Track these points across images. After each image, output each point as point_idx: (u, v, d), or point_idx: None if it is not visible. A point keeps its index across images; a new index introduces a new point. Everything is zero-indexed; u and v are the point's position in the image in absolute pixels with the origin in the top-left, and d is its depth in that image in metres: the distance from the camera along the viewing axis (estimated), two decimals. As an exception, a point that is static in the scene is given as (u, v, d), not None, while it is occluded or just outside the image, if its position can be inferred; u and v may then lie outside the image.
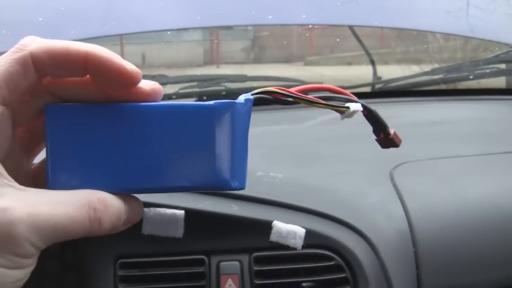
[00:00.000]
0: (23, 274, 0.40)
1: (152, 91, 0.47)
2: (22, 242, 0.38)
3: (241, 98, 0.51)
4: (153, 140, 0.46)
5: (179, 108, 0.47)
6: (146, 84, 0.47)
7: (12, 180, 0.41)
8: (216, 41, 1.91)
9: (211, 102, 0.48)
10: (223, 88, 1.37)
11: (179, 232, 0.83)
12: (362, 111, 0.55)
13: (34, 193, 0.41)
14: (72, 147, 0.45)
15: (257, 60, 2.28)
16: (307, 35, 1.98)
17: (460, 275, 0.89)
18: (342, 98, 0.54)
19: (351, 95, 0.54)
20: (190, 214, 0.83)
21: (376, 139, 0.60)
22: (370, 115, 0.56)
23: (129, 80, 0.45)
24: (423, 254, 0.88)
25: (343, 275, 0.85)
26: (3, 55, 0.43)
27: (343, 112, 0.54)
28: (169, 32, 1.59)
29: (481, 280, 0.90)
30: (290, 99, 0.53)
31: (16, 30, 1.28)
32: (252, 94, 0.51)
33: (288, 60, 2.05)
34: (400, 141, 0.58)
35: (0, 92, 0.42)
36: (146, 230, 0.83)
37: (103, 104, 0.46)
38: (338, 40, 2.02)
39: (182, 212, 0.83)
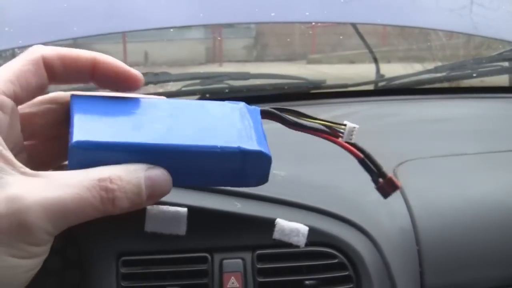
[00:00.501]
0: (36, 263, 0.40)
1: None
2: (34, 230, 0.38)
3: (256, 134, 0.52)
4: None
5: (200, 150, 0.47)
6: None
7: (21, 166, 0.40)
8: (219, 38, 1.91)
9: (235, 144, 0.48)
10: (226, 86, 1.36)
11: (182, 230, 0.83)
12: (355, 155, 0.55)
13: (43, 177, 0.40)
14: (95, 120, 0.45)
15: (259, 58, 2.28)
16: (310, 32, 1.97)
17: (463, 273, 0.89)
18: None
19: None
20: (193, 211, 0.82)
21: (376, 188, 0.58)
22: (365, 157, 0.55)
23: (134, 84, 0.48)
24: (426, 252, 0.88)
25: (346, 273, 0.85)
26: (17, 57, 0.44)
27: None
28: (171, 30, 1.59)
29: (484, 277, 0.90)
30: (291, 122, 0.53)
31: (19, 27, 1.28)
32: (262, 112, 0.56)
33: (290, 58, 2.05)
34: (399, 183, 0.57)
35: (12, 86, 0.42)
36: (149, 227, 0.82)
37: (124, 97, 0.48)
38: (341, 37, 2.02)
39: (185, 209, 0.82)
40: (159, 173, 0.45)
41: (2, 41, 1.26)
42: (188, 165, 0.46)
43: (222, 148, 0.47)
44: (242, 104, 0.52)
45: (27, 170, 0.40)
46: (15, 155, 0.41)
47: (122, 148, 0.43)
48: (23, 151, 0.47)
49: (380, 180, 0.56)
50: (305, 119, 0.53)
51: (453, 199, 0.95)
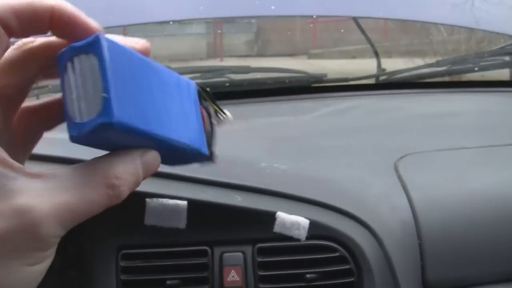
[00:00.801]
0: (47, 264, 0.40)
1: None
2: (46, 238, 0.38)
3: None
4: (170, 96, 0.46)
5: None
6: (137, 42, 0.46)
7: (21, 166, 0.39)
8: (219, 31, 1.90)
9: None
10: (227, 79, 1.36)
11: (182, 223, 0.83)
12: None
13: (47, 178, 0.39)
14: (130, 92, 0.42)
15: (261, 53, 2.28)
16: (311, 25, 1.97)
17: (465, 267, 0.89)
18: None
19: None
20: (193, 204, 0.82)
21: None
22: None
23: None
24: (427, 246, 0.88)
25: (347, 266, 0.85)
26: None
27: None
28: (173, 24, 1.59)
29: (485, 271, 0.90)
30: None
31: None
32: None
33: (291, 53, 2.05)
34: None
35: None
36: (149, 221, 0.83)
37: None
38: (342, 32, 2.01)
39: (185, 202, 0.83)
40: (153, 157, 0.45)
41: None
42: (163, 150, 0.46)
43: (191, 146, 0.48)
44: (191, 83, 0.51)
45: (29, 170, 0.39)
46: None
47: (144, 136, 0.42)
48: (8, 137, 0.45)
49: None
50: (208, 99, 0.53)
51: (454, 192, 0.94)
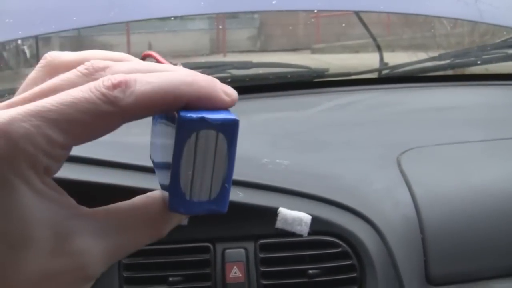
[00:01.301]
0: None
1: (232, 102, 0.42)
2: (92, 277, 0.38)
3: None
4: None
5: None
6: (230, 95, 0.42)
7: (76, 205, 0.39)
8: (221, 26, 1.90)
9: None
10: (229, 75, 1.36)
11: (184, 220, 0.82)
12: None
13: (101, 219, 0.39)
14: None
15: (263, 49, 2.28)
16: (313, 20, 1.97)
17: (468, 261, 0.89)
18: None
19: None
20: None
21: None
22: None
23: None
24: (430, 241, 0.88)
25: (350, 262, 0.85)
26: (87, 100, 0.37)
27: None
28: (175, 21, 1.59)
29: (488, 266, 0.89)
30: None
31: (20, 18, 1.28)
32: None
33: (294, 48, 2.05)
34: None
35: (70, 140, 0.38)
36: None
37: None
38: (344, 27, 2.01)
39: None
40: None
41: (3, 32, 1.26)
42: None
43: None
44: None
45: (83, 209, 0.39)
46: None
47: None
48: None
49: None
50: None
51: (457, 187, 0.94)
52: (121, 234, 0.39)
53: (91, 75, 0.39)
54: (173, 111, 0.39)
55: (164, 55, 0.47)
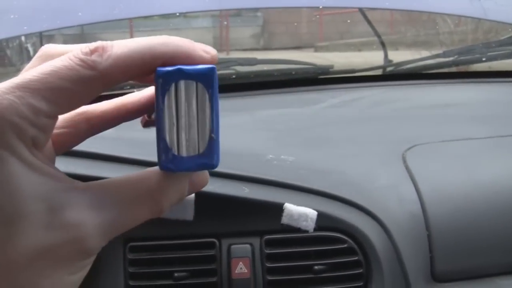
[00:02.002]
0: (85, 273, 0.40)
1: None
2: (90, 251, 0.38)
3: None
4: None
5: None
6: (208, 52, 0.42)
7: (69, 179, 0.39)
8: (225, 22, 1.90)
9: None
10: (233, 71, 1.36)
11: (189, 215, 0.82)
12: None
13: (94, 192, 0.39)
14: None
15: (267, 47, 2.28)
16: (317, 16, 1.96)
17: (474, 258, 0.89)
18: None
19: None
20: (201, 196, 0.82)
21: (146, 118, 0.54)
22: None
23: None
24: (436, 237, 0.88)
25: (356, 258, 0.84)
26: (67, 67, 0.38)
27: None
28: (177, 13, 1.58)
29: (494, 263, 0.89)
30: None
31: (24, 14, 1.28)
32: None
33: (298, 46, 2.04)
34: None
35: (54, 108, 0.38)
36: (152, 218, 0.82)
37: None
38: (348, 24, 2.01)
39: (193, 195, 0.82)
40: (202, 177, 0.45)
41: (8, 28, 1.26)
42: None
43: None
44: None
45: (77, 183, 0.39)
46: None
47: None
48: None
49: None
50: None
51: (463, 183, 0.94)
52: (116, 206, 0.39)
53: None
54: (152, 72, 0.39)
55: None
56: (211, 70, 0.39)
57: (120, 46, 0.38)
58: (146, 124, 0.50)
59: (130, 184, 0.41)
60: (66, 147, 0.47)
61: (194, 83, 0.39)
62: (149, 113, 0.49)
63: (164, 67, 0.39)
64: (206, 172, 0.45)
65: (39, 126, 0.37)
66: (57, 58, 0.38)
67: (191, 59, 0.40)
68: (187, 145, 0.39)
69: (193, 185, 0.44)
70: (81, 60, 0.37)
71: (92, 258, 0.40)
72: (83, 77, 0.37)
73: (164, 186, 0.41)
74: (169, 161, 0.39)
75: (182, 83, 0.39)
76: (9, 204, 0.35)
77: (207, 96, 0.39)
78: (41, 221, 0.36)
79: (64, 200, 0.37)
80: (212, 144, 0.39)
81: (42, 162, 0.38)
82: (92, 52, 0.38)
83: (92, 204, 0.38)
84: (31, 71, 0.37)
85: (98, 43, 0.38)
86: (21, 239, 0.36)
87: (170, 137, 0.39)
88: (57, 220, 0.37)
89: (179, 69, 0.39)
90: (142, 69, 0.39)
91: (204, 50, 0.41)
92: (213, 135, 0.39)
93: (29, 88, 0.36)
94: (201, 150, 0.40)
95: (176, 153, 0.39)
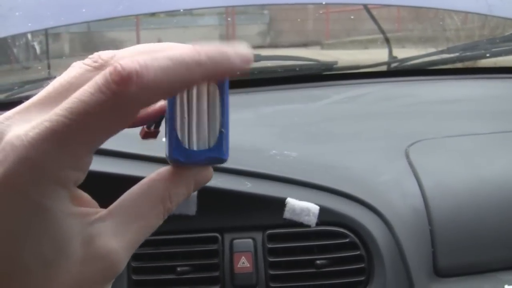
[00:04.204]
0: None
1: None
2: (120, 272, 0.39)
3: None
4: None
5: None
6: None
7: (94, 210, 0.39)
8: (232, 22, 1.90)
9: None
10: (238, 68, 1.36)
11: (192, 210, 0.83)
12: None
13: (115, 215, 0.40)
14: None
15: (274, 45, 2.28)
16: (323, 14, 1.96)
17: (477, 253, 0.89)
18: None
19: None
20: (203, 191, 0.82)
21: (146, 130, 0.54)
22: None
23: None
24: (438, 232, 0.88)
25: (358, 252, 0.85)
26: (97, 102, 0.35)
27: None
28: (181, 9, 1.58)
29: (497, 257, 0.89)
30: None
31: (29, 10, 1.28)
32: None
33: (304, 44, 2.04)
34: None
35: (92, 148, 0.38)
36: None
37: None
38: (355, 21, 2.01)
39: (195, 189, 0.82)
40: (206, 174, 0.44)
41: (13, 25, 1.26)
42: None
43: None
44: None
45: (101, 212, 0.40)
46: None
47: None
48: None
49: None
50: None
51: (465, 179, 0.94)
52: (136, 224, 0.40)
53: (101, 67, 0.38)
54: None
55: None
56: None
57: (153, 68, 0.35)
58: (145, 136, 0.50)
59: (144, 196, 0.41)
60: None
61: None
62: (148, 125, 0.49)
63: None
64: (210, 169, 0.45)
65: (79, 167, 0.37)
66: (86, 91, 0.35)
67: (228, 74, 0.39)
68: (197, 138, 0.40)
69: (197, 184, 0.44)
70: (112, 91, 0.34)
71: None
72: (118, 110, 0.35)
73: (172, 187, 0.41)
74: (179, 153, 0.40)
75: None
76: (50, 248, 0.36)
77: (217, 92, 0.40)
78: (77, 256, 0.37)
79: (93, 232, 0.38)
80: (222, 139, 0.40)
81: (77, 202, 0.38)
82: (123, 80, 0.34)
83: (117, 231, 0.39)
84: (63, 110, 0.35)
85: (127, 67, 0.34)
86: (61, 276, 0.37)
87: (181, 130, 0.40)
88: (91, 253, 0.37)
89: None
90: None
91: (241, 58, 0.39)
92: (223, 129, 0.40)
93: (65, 134, 0.35)
94: (211, 144, 0.40)
95: (187, 146, 0.40)
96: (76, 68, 0.39)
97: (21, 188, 0.34)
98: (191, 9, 1.56)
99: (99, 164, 0.88)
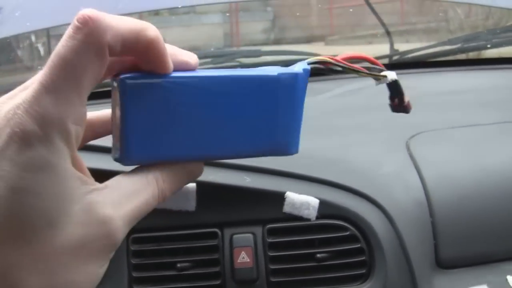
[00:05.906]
0: (107, 264, 0.43)
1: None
2: (118, 243, 0.42)
3: (299, 68, 0.50)
4: (219, 109, 0.47)
5: (245, 78, 0.48)
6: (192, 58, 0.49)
7: (92, 181, 0.42)
8: (235, 19, 1.90)
9: (275, 72, 0.48)
10: (238, 63, 1.36)
11: (191, 205, 0.82)
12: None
13: (113, 189, 0.43)
14: (144, 121, 0.44)
15: (277, 41, 2.27)
16: (327, 10, 1.96)
17: (479, 244, 0.88)
18: (377, 68, 0.57)
19: (381, 64, 0.57)
20: (202, 186, 0.82)
21: (389, 104, 0.60)
22: (392, 83, 0.59)
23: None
24: (440, 224, 0.87)
25: (358, 245, 0.84)
26: (72, 49, 0.39)
27: (379, 79, 0.58)
28: (188, 15, 1.59)
29: (499, 248, 0.89)
30: (339, 68, 0.54)
31: (27, 10, 1.28)
32: (308, 63, 0.51)
33: (308, 40, 2.04)
34: (411, 108, 0.62)
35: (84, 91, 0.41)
36: (158, 204, 0.82)
37: (172, 76, 0.45)
38: (359, 16, 2.01)
39: (194, 185, 0.82)
40: (196, 166, 0.50)
41: (12, 25, 1.26)
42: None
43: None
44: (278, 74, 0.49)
45: (97, 184, 0.42)
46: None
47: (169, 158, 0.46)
48: None
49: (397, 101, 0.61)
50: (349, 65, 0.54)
51: (467, 170, 0.93)
52: (133, 198, 0.43)
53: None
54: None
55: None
56: (121, 81, 0.43)
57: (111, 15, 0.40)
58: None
59: (138, 174, 0.45)
60: None
61: (116, 89, 0.43)
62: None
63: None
64: (199, 163, 0.50)
65: (77, 120, 0.40)
66: (58, 44, 0.39)
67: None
68: (114, 141, 0.45)
69: (189, 171, 0.49)
70: (81, 32, 0.38)
71: (114, 251, 0.43)
72: (92, 48, 0.39)
73: (165, 174, 0.46)
74: (115, 153, 0.45)
75: (113, 90, 0.44)
76: (54, 207, 0.39)
77: (119, 96, 0.43)
78: (79, 219, 0.40)
79: (93, 199, 0.41)
80: (124, 143, 0.44)
81: (77, 168, 0.41)
82: (88, 19, 0.38)
83: (114, 201, 0.42)
84: (44, 68, 0.39)
85: (87, 11, 0.39)
86: (63, 236, 0.39)
87: (113, 133, 0.45)
88: (91, 218, 0.40)
89: (116, 75, 0.44)
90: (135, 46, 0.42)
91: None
92: (124, 134, 0.44)
93: (55, 84, 0.38)
94: (119, 147, 0.44)
95: (112, 146, 0.45)
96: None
97: (30, 143, 0.37)
98: (191, 6, 1.55)
99: (98, 162, 0.88)
